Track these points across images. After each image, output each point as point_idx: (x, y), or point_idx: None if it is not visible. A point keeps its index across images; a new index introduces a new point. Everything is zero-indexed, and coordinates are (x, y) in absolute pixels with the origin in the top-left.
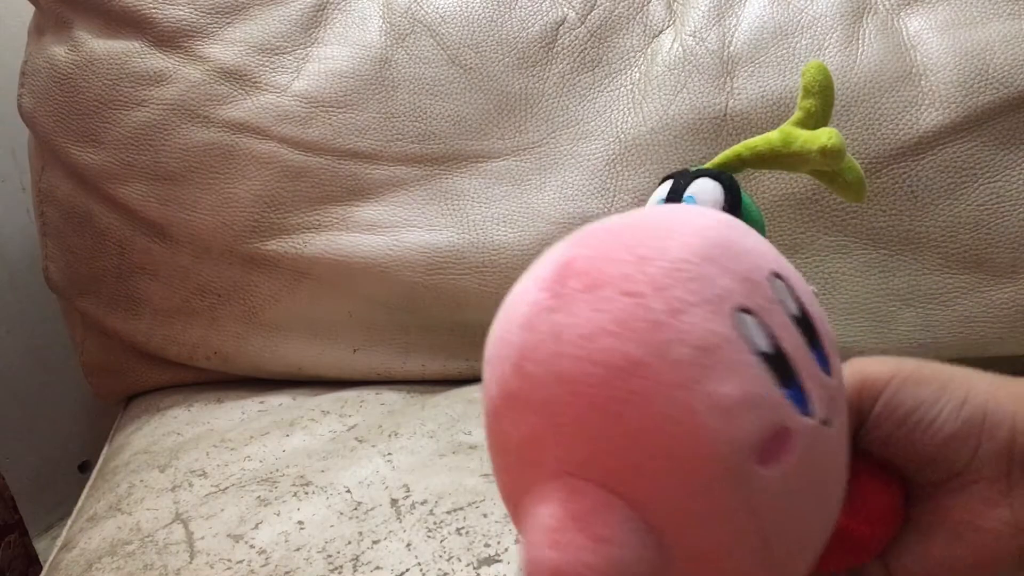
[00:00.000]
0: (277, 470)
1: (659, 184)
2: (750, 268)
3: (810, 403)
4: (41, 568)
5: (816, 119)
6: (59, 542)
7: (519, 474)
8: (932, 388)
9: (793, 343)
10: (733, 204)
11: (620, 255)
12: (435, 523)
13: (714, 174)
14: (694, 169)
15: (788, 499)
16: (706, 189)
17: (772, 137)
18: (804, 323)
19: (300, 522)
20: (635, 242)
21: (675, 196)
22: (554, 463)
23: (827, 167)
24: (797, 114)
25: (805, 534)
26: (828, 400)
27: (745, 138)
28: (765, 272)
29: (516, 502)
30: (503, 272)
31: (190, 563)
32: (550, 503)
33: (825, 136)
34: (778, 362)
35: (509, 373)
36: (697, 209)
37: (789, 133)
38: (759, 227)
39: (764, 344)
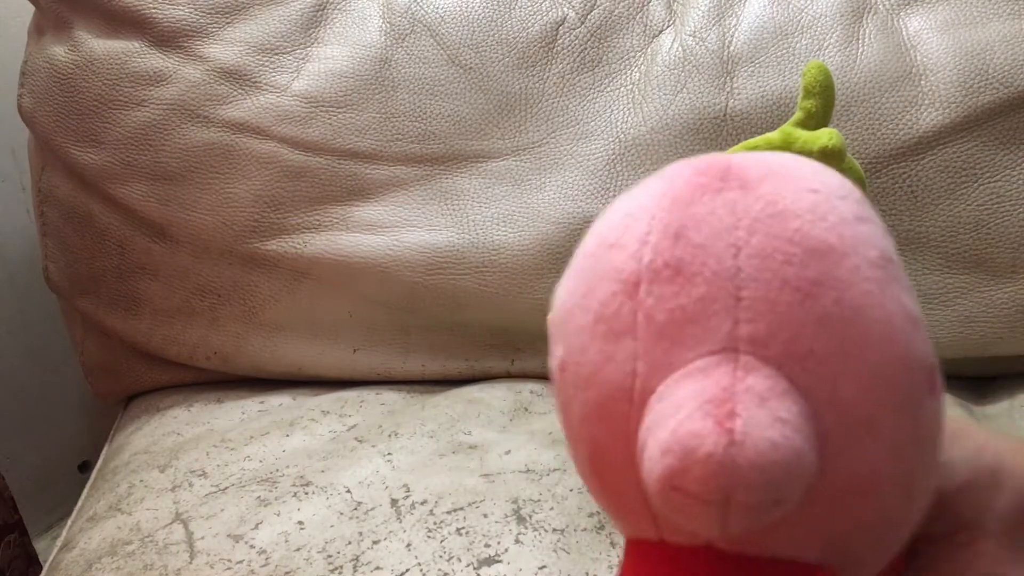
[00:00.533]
0: (277, 470)
1: None
2: None
3: None
4: (41, 568)
5: (817, 119)
6: (59, 542)
7: (660, 353)
8: (945, 435)
9: None
10: None
11: (776, 170)
12: (435, 523)
13: None
14: None
15: (933, 439)
16: None
17: (772, 137)
18: None
19: (300, 522)
20: (787, 162)
21: None
22: (724, 338)
23: (827, 167)
24: (797, 114)
25: (929, 484)
26: None
27: (745, 138)
28: None
29: (646, 387)
30: (503, 272)
31: (190, 563)
32: (714, 375)
33: (825, 136)
34: None
35: (664, 244)
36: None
37: (789, 133)
38: None
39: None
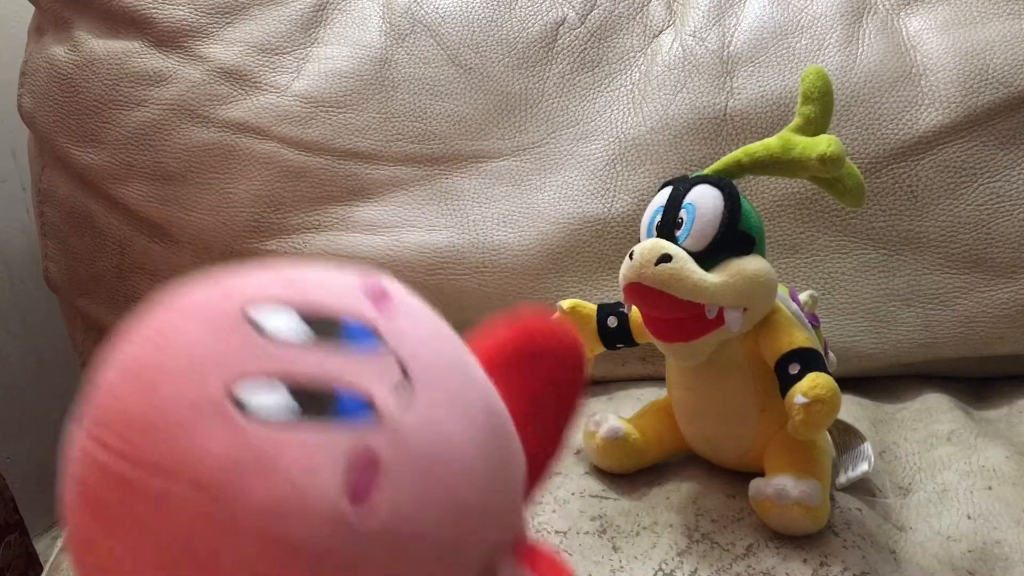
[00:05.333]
0: None
1: (658, 191)
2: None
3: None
4: (41, 568)
5: (815, 125)
6: (59, 542)
7: None
8: None
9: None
10: (733, 211)
11: None
12: None
13: (713, 180)
14: (693, 176)
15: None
16: (705, 195)
17: (771, 144)
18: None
19: None
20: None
21: (674, 203)
22: None
23: (826, 174)
24: (796, 120)
25: None
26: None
27: (745, 138)
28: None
29: None
30: (503, 272)
31: None
32: None
33: (824, 143)
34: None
35: None
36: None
37: (788, 140)
38: (758, 234)
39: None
